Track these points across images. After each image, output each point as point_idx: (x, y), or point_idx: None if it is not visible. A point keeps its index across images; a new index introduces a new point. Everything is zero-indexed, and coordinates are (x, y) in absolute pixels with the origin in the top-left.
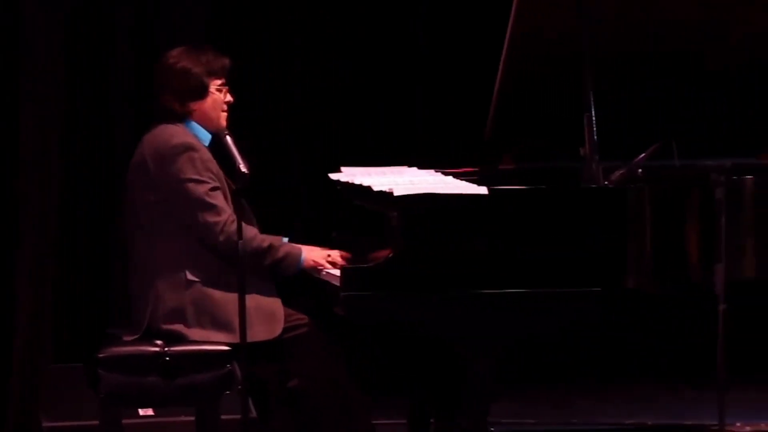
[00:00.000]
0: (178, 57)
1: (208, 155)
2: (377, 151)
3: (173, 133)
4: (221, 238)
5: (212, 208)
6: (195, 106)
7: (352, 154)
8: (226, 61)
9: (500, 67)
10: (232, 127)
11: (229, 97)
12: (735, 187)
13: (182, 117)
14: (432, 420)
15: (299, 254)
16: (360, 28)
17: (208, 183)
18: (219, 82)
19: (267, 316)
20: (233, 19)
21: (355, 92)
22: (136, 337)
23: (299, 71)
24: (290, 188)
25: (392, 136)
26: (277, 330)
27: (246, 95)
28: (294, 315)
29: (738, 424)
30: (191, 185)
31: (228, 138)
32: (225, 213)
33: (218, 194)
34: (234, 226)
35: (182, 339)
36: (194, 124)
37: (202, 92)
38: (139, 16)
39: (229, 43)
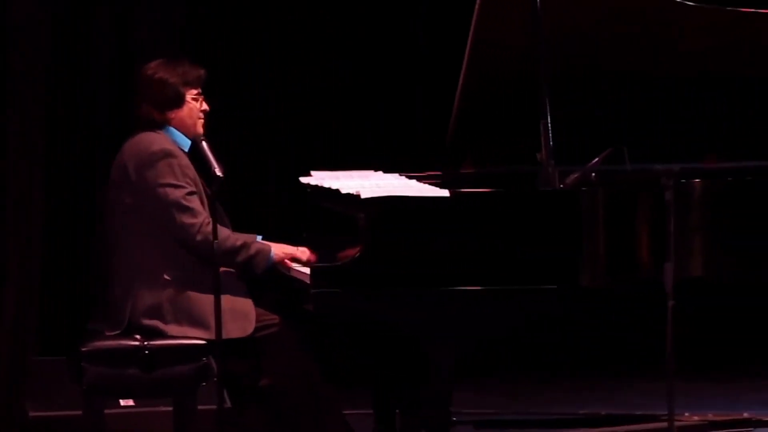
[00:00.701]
0: (155, 68)
1: (186, 161)
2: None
3: (153, 140)
4: (198, 238)
5: (189, 210)
6: (172, 114)
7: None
8: (202, 72)
9: (461, 77)
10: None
11: (205, 106)
12: (683, 190)
13: (161, 125)
14: (397, 410)
15: (269, 250)
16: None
17: (186, 187)
18: (195, 91)
19: (240, 315)
20: (207, 26)
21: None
22: (117, 332)
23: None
24: (265, 191)
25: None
26: (250, 328)
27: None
28: (265, 315)
29: (686, 414)
30: (169, 189)
31: (204, 143)
32: (201, 215)
33: (195, 198)
34: (210, 227)
35: (160, 334)
36: (173, 131)
37: (179, 101)
38: (117, 23)
39: (203, 49)
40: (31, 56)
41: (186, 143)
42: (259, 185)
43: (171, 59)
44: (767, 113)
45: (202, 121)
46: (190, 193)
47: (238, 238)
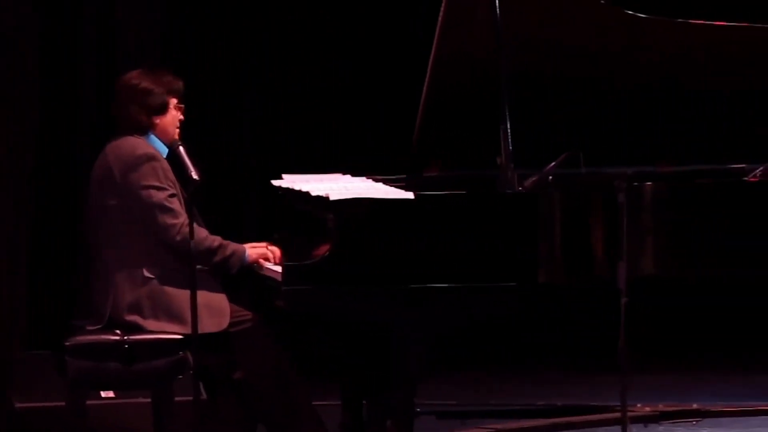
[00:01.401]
0: (140, 77)
1: (167, 165)
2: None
3: (136, 144)
4: (178, 238)
5: (171, 211)
6: (158, 120)
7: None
8: (181, 84)
9: (425, 84)
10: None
11: (181, 116)
12: (635, 192)
13: (145, 129)
14: (364, 401)
15: (244, 251)
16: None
17: (168, 190)
18: (176, 101)
19: (215, 311)
20: (188, 33)
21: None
22: (98, 327)
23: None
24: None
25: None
26: (224, 323)
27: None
28: (239, 311)
29: (639, 405)
30: (153, 191)
31: (181, 148)
32: (181, 216)
33: (176, 200)
34: (188, 229)
35: (140, 329)
36: (153, 138)
37: (164, 109)
38: (102, 31)
39: (184, 56)
40: (20, 64)
41: (164, 150)
42: (235, 187)
43: (153, 69)
44: (717, 120)
45: (178, 129)
46: (172, 195)
47: (215, 240)
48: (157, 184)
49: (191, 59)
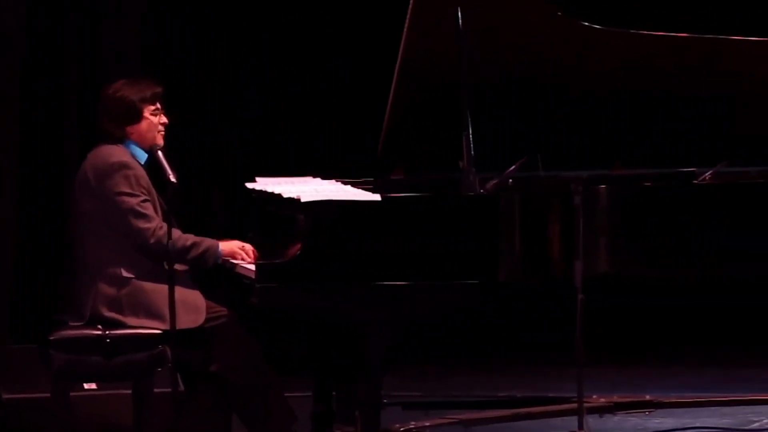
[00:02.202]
0: (117, 88)
1: (141, 172)
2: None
3: (112, 152)
4: (152, 241)
5: (143, 216)
6: (131, 129)
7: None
8: (159, 89)
9: (391, 91)
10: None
11: (164, 119)
12: (591, 194)
13: (121, 139)
14: (334, 393)
15: (217, 246)
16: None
17: (140, 196)
18: (153, 107)
19: (192, 307)
20: (168, 41)
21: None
22: (81, 323)
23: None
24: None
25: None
26: (200, 319)
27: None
28: (215, 307)
29: (594, 397)
30: (126, 197)
31: (159, 152)
32: (155, 220)
33: (148, 205)
34: (163, 231)
35: (120, 326)
36: (132, 145)
37: (137, 117)
38: (86, 39)
39: (163, 64)
40: (5, 73)
41: (143, 156)
42: (210, 189)
43: (132, 79)
44: (668, 125)
45: (162, 133)
46: (144, 201)
47: (188, 238)
48: (129, 190)
49: (169, 65)
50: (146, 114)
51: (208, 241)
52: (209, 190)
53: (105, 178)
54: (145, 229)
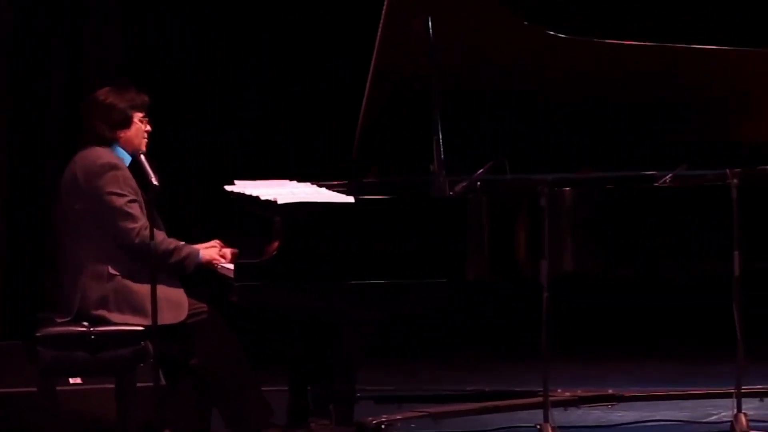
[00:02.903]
0: (106, 94)
1: (128, 174)
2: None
3: (101, 154)
4: (137, 241)
5: (130, 216)
6: (121, 133)
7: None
8: (146, 98)
9: (365, 97)
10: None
11: (149, 127)
12: (556, 197)
13: (110, 142)
14: (309, 387)
15: (197, 252)
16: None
17: (128, 196)
18: (141, 114)
19: (174, 304)
20: (149, 49)
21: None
22: (67, 319)
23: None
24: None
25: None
26: (182, 316)
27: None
28: (196, 304)
29: (559, 390)
30: (114, 197)
31: (142, 157)
32: (140, 221)
33: (135, 205)
34: (147, 232)
35: (105, 322)
36: (119, 149)
37: (128, 123)
38: (70, 48)
39: (145, 72)
40: None
41: (128, 159)
42: (191, 191)
43: (119, 86)
44: (630, 130)
45: (146, 140)
46: (132, 201)
47: (171, 242)
48: (118, 190)
49: (151, 72)
50: (135, 120)
51: (188, 248)
52: (190, 193)
53: (95, 178)
54: (130, 229)
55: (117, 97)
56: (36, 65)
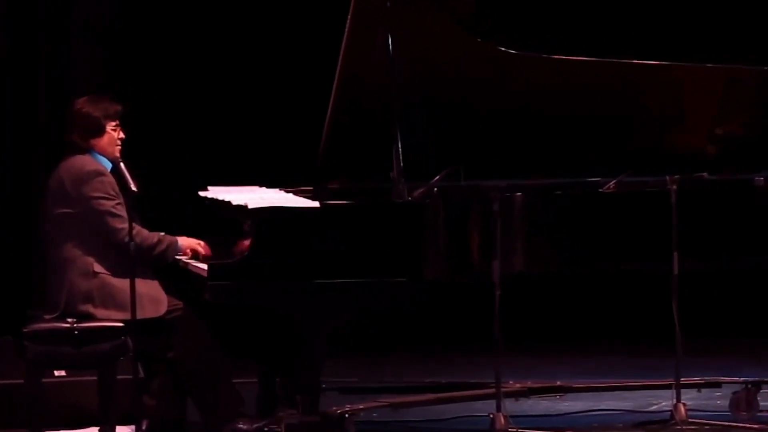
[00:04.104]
0: (83, 104)
1: (112, 179)
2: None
3: (86, 162)
4: (126, 239)
5: (119, 217)
6: (94, 141)
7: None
8: (119, 107)
9: (329, 109)
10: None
11: (121, 134)
12: (507, 202)
13: (86, 150)
14: (278, 379)
15: (176, 242)
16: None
17: (115, 199)
18: (114, 123)
19: (154, 299)
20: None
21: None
22: (54, 316)
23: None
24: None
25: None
26: (162, 309)
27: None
28: (173, 301)
29: (510, 382)
30: (103, 201)
31: (122, 164)
32: (127, 221)
33: (121, 207)
34: (136, 230)
35: (90, 317)
36: (98, 156)
37: (100, 131)
38: (54, 58)
39: (125, 80)
40: None
41: (108, 165)
42: (165, 197)
43: (95, 96)
44: (576, 139)
45: (119, 147)
46: (118, 203)
47: (155, 235)
48: (106, 195)
49: (132, 85)
50: (108, 129)
51: (169, 238)
52: (166, 198)
53: (82, 184)
54: (120, 229)
55: (92, 107)
56: (23, 75)
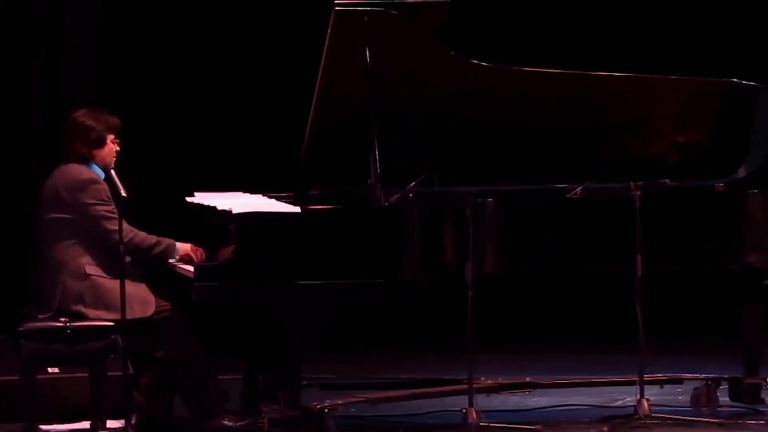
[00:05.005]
0: (84, 116)
1: (106, 186)
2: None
3: (81, 171)
4: (124, 241)
5: (113, 220)
6: (96, 152)
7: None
8: (118, 121)
9: (309, 119)
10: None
11: (118, 147)
12: (479, 207)
13: (87, 160)
14: (261, 376)
15: (174, 244)
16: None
17: (110, 204)
18: (113, 136)
19: (143, 299)
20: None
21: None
22: (48, 315)
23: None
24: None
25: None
26: (150, 310)
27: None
28: (161, 302)
29: (482, 378)
30: (98, 206)
31: (112, 172)
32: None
33: (115, 212)
34: (132, 233)
35: (82, 317)
36: (94, 165)
37: (102, 143)
38: (48, 70)
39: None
40: None
41: (102, 174)
42: (153, 202)
43: (94, 109)
44: (545, 148)
45: (116, 158)
46: (113, 209)
47: (152, 238)
48: (101, 201)
49: (123, 90)
50: (108, 141)
51: (167, 240)
52: (155, 203)
53: (77, 192)
54: (115, 232)
55: (94, 120)
56: (18, 79)
